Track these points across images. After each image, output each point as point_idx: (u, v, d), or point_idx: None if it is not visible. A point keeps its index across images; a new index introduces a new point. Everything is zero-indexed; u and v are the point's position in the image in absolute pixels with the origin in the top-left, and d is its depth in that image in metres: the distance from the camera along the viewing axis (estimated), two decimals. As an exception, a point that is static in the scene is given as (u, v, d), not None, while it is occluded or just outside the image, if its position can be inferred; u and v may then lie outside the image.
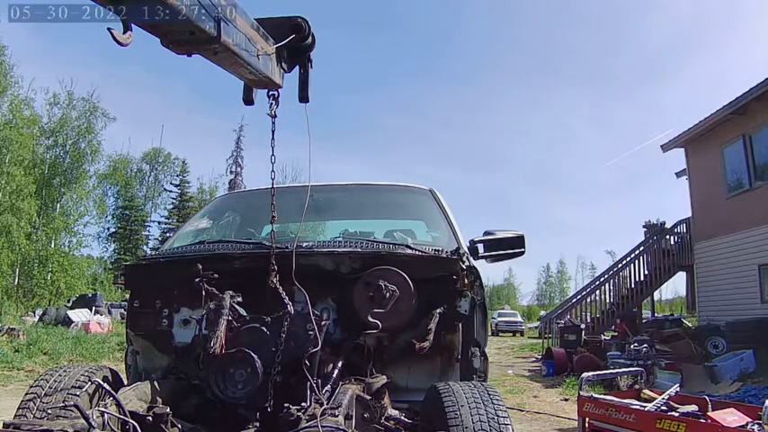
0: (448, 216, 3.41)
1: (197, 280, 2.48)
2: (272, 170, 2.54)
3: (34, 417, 2.27)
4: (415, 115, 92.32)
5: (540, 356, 15.17)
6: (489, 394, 2.21)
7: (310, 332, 2.38)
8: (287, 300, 2.42)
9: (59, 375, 2.48)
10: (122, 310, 18.44)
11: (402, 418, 2.48)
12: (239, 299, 2.48)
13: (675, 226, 16.58)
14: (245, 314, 2.47)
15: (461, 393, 2.19)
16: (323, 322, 2.47)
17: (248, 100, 2.32)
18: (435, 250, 2.77)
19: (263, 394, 2.29)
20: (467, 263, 2.75)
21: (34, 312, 18.65)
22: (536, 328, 27.83)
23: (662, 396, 4.92)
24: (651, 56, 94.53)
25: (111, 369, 2.71)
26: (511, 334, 32.84)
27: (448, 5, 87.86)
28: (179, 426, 2.17)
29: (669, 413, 4.49)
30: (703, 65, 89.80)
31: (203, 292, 2.47)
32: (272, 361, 2.31)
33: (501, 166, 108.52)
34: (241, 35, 1.80)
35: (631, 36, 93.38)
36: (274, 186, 2.58)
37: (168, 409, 2.08)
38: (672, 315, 19.17)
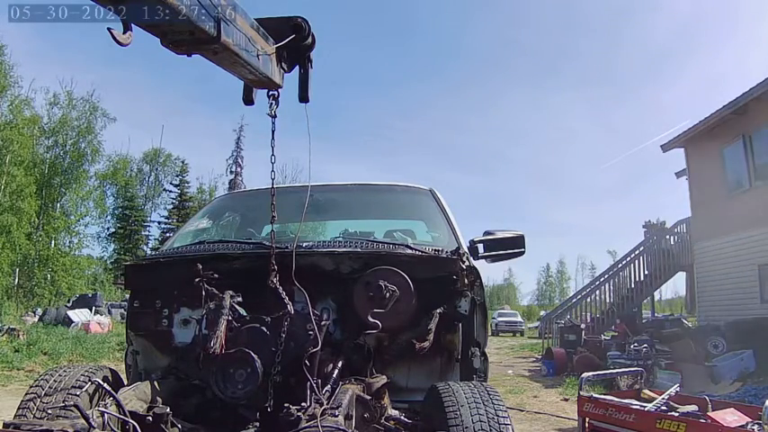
0: (448, 216, 3.41)
1: (197, 280, 2.48)
2: (272, 170, 2.55)
3: (34, 417, 2.27)
4: (417, 117, 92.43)
5: (539, 356, 15.17)
6: (489, 394, 2.21)
7: (310, 332, 2.38)
8: (287, 300, 2.41)
9: (59, 375, 2.48)
10: (122, 310, 18.42)
11: (402, 418, 2.48)
12: (239, 299, 2.48)
13: (675, 226, 16.58)
14: (245, 314, 2.48)
15: (461, 393, 2.19)
16: (323, 322, 2.47)
17: (248, 100, 2.32)
18: (435, 250, 2.77)
19: (263, 394, 2.29)
20: (467, 263, 2.75)
21: (34, 312, 18.62)
22: (536, 328, 27.83)
23: (662, 396, 4.91)
24: (651, 56, 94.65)
25: (111, 369, 2.72)
26: (511, 334, 32.84)
27: (451, 10, 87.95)
28: (179, 426, 2.17)
29: (669, 413, 4.49)
30: (703, 64, 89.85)
31: (203, 292, 2.47)
32: (272, 361, 2.31)
33: (501, 166, 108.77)
34: (241, 35, 1.81)
35: (631, 36, 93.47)
36: (274, 186, 2.58)
37: (168, 409, 2.08)
38: (672, 315, 19.17)
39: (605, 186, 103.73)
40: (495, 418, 2.08)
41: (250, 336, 2.38)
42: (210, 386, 2.34)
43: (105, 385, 2.10)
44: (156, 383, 2.41)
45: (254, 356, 2.27)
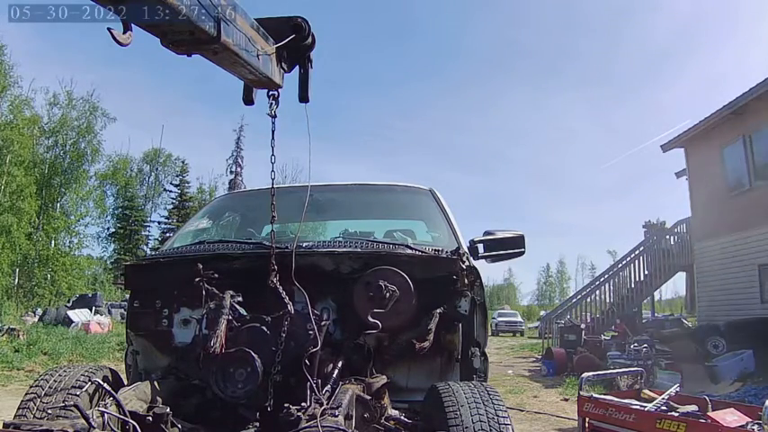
0: (448, 216, 3.41)
1: (197, 280, 2.48)
2: (272, 170, 2.55)
3: (34, 417, 2.27)
4: (417, 117, 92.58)
5: (539, 356, 15.17)
6: (489, 394, 2.21)
7: (310, 332, 2.38)
8: (287, 299, 2.41)
9: (59, 375, 2.48)
10: (122, 310, 18.41)
11: (402, 418, 2.48)
12: (239, 298, 2.48)
13: (675, 226, 16.59)
14: (245, 314, 2.47)
15: (461, 393, 2.19)
16: (323, 322, 2.47)
17: (248, 100, 2.32)
18: (435, 250, 2.77)
19: (263, 394, 2.29)
20: (467, 263, 2.75)
21: (34, 312, 18.62)
22: (536, 328, 27.83)
23: (662, 396, 4.91)
24: (651, 56, 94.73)
25: (111, 369, 2.71)
26: (511, 334, 32.83)
27: (451, 10, 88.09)
28: (179, 426, 2.17)
29: (669, 413, 4.49)
30: (703, 64, 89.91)
31: (203, 292, 2.47)
32: (273, 360, 2.31)
33: (501, 166, 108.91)
34: (241, 35, 1.80)
35: (631, 37, 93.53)
36: (274, 186, 2.58)
37: (168, 409, 2.08)
38: (672, 315, 19.17)
39: (605, 186, 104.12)
40: (495, 418, 2.08)
41: (250, 335, 2.38)
42: (210, 385, 2.34)
43: (105, 385, 2.10)
44: (156, 383, 2.41)
45: (255, 356, 2.27)
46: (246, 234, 3.60)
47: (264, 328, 2.39)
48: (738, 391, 8.53)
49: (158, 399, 2.34)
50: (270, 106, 2.33)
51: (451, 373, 2.76)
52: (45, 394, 2.37)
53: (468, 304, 2.74)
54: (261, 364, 2.27)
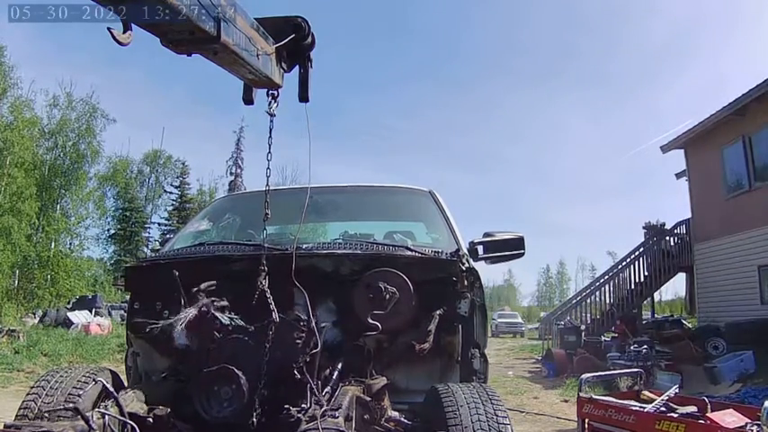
0: (447, 218, 3.41)
1: (174, 286, 2.45)
2: (268, 167, 2.54)
3: (35, 418, 2.27)
4: (415, 117, 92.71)
5: (539, 358, 15.16)
6: (489, 395, 2.21)
7: (306, 333, 2.37)
8: (272, 306, 2.36)
9: (60, 377, 2.48)
10: (122, 312, 18.40)
11: (402, 419, 2.47)
12: (224, 303, 2.45)
13: (675, 227, 16.57)
14: (227, 322, 2.41)
15: (461, 394, 2.19)
16: (323, 324, 2.47)
17: (248, 100, 2.32)
18: (435, 252, 2.76)
19: (249, 411, 2.17)
20: (466, 264, 2.75)
21: (34, 314, 18.60)
22: (536, 329, 27.82)
23: (661, 397, 4.91)
24: (651, 57, 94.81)
25: (111, 371, 2.71)
26: (511, 335, 32.81)
27: (451, 10, 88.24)
28: (179, 427, 2.16)
29: (668, 414, 4.48)
30: (704, 65, 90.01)
31: (182, 298, 2.45)
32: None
33: (501, 167, 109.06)
34: (241, 35, 1.81)
35: (632, 38, 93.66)
36: (269, 185, 2.57)
37: (168, 411, 2.08)
38: (672, 316, 19.14)
39: (605, 187, 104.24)
40: (495, 418, 2.08)
41: (235, 347, 2.35)
42: (195, 405, 2.22)
43: (108, 386, 2.10)
44: (156, 385, 2.40)
45: (239, 373, 2.24)
46: (246, 236, 3.60)
47: (249, 339, 2.33)
48: (738, 392, 8.51)
49: (159, 400, 2.33)
50: (269, 104, 2.33)
51: (451, 374, 2.76)
52: (45, 395, 2.37)
53: (468, 306, 2.73)
54: (246, 380, 2.17)
